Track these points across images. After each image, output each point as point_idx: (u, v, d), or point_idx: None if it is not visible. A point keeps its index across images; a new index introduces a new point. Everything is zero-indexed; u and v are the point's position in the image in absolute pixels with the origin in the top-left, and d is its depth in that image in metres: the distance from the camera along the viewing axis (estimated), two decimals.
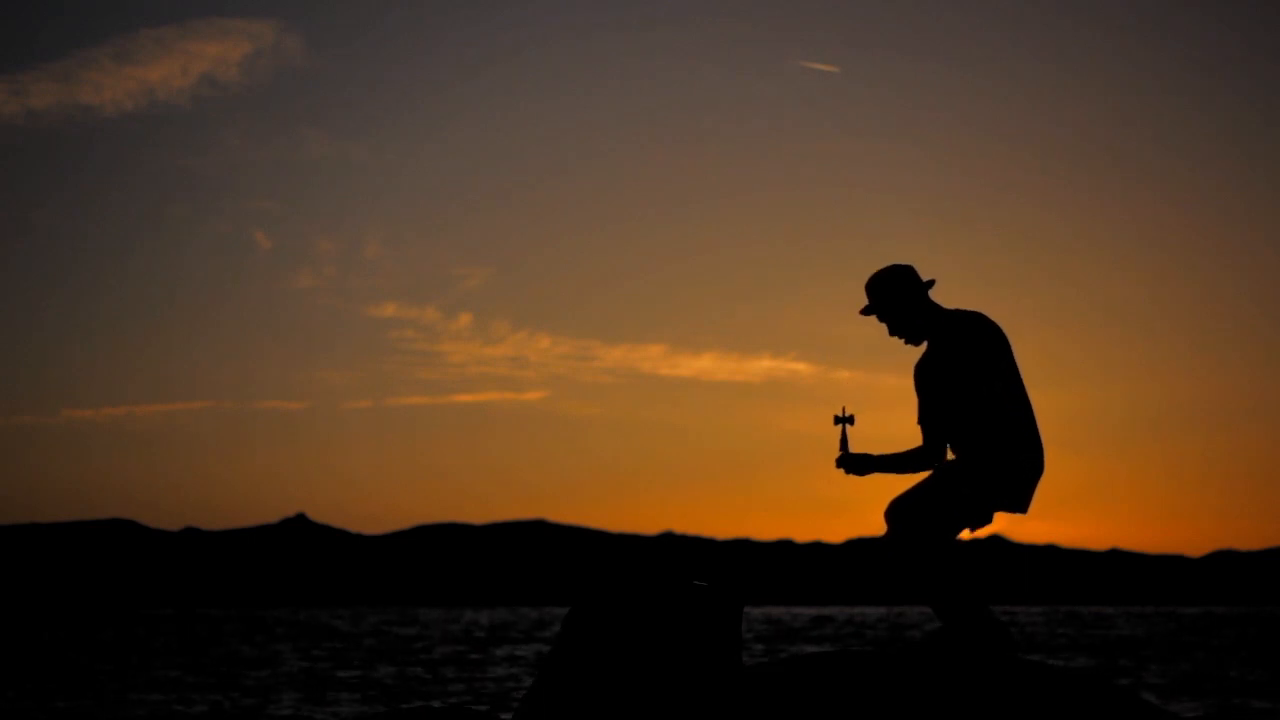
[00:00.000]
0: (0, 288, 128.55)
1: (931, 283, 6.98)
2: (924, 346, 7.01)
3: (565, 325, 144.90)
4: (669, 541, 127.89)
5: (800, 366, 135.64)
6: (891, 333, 7.01)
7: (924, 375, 6.94)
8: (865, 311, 7.01)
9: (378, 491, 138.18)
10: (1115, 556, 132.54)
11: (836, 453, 7.04)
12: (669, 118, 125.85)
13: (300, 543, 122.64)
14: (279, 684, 20.33)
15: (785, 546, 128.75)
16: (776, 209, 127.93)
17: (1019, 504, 6.85)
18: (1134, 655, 29.67)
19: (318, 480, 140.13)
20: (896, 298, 6.94)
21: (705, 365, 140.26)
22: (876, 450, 7.02)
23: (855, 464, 7.02)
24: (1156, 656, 29.22)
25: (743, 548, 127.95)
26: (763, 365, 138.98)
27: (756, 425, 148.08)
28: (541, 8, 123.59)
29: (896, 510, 6.84)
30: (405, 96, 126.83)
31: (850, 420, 7.04)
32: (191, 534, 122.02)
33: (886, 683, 6.50)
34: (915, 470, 7.00)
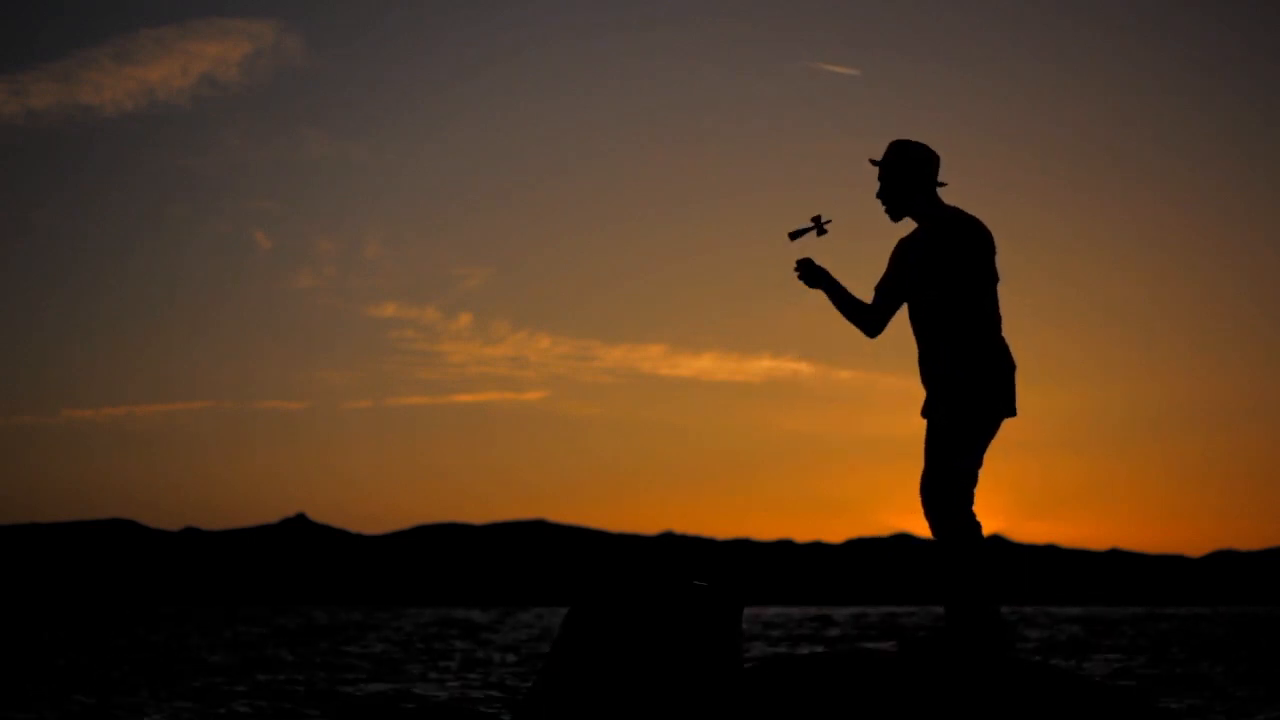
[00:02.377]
0: (0, 288, 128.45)
1: (943, 184, 7.10)
2: (903, 226, 7.14)
3: (565, 325, 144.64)
4: (669, 541, 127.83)
5: (800, 366, 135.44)
6: (879, 194, 7.13)
7: (903, 254, 7.08)
8: (875, 162, 7.14)
9: (378, 491, 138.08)
10: (1115, 556, 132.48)
11: (803, 237, 7.12)
12: (669, 118, 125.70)
13: (300, 543, 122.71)
14: (276, 684, 20.35)
15: (785, 546, 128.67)
16: (777, 209, 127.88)
17: (1009, 405, 6.94)
18: (1135, 656, 29.70)
19: (318, 480, 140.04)
20: (908, 167, 7.05)
21: (705, 365, 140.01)
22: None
23: (810, 269, 7.15)
24: (1157, 657, 29.25)
25: (743, 548, 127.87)
26: (763, 365, 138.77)
27: (756, 425, 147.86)
28: (541, 8, 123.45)
29: (923, 485, 6.93)
30: (405, 96, 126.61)
31: (824, 230, 7.13)
32: (191, 534, 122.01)
33: (886, 683, 6.49)
34: (850, 317, 7.14)
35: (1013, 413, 6.96)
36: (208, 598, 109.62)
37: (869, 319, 7.13)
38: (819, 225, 7.14)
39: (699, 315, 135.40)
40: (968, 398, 6.87)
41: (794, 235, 7.16)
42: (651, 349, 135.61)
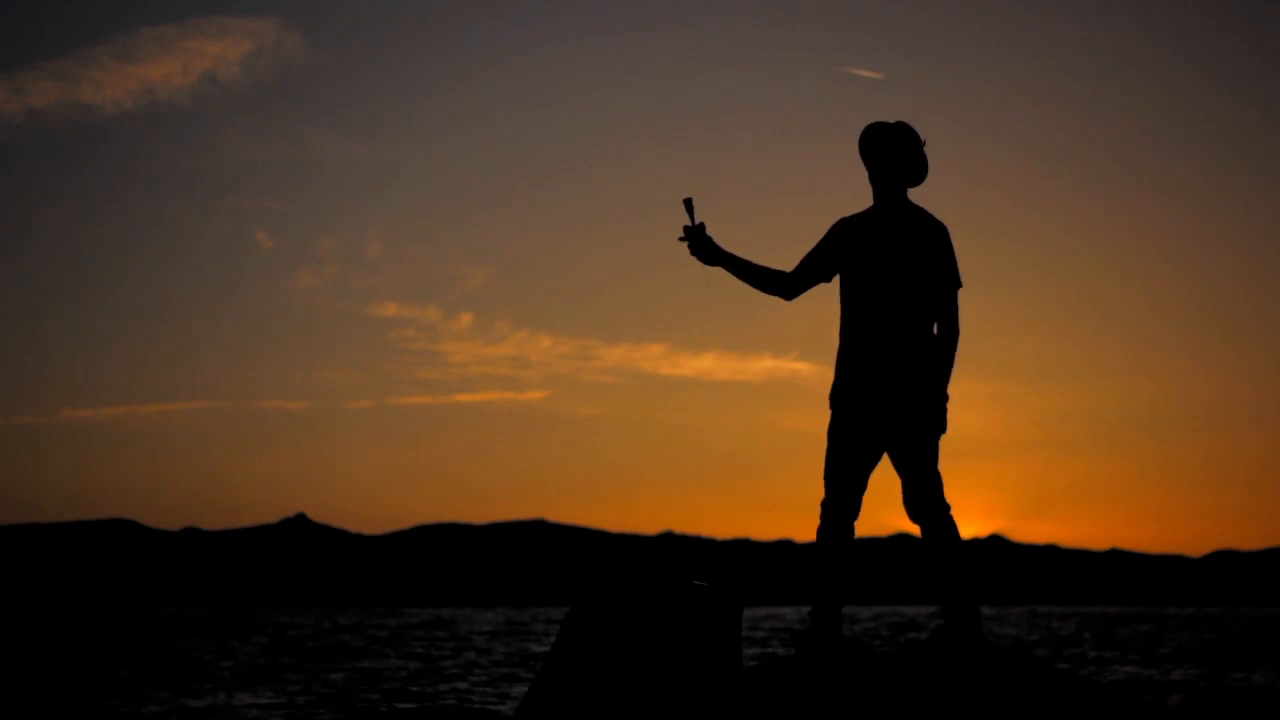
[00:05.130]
0: (0, 288, 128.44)
1: (920, 180, 6.82)
2: (865, 206, 6.89)
3: (566, 325, 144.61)
4: (669, 541, 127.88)
5: (801, 366, 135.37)
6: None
7: (841, 231, 6.81)
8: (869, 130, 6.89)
9: (378, 491, 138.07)
10: (1115, 556, 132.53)
11: (690, 212, 6.91)
12: (670, 118, 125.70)
13: (300, 543, 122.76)
14: (275, 684, 20.36)
15: (785, 546, 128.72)
16: (777, 209, 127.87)
17: (866, 416, 6.72)
18: (1135, 656, 29.72)
19: (318, 480, 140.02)
20: (887, 151, 6.78)
21: (706, 365, 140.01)
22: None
23: (702, 243, 6.91)
24: (1157, 657, 29.27)
25: (743, 548, 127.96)
26: (763, 365, 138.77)
27: (756, 425, 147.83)
28: (542, 8, 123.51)
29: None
30: (407, 96, 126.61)
31: (689, 203, 6.91)
32: (191, 534, 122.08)
33: (886, 683, 6.49)
34: (761, 286, 6.90)
35: (874, 425, 6.71)
36: (208, 598, 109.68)
37: (786, 282, 6.87)
38: (689, 208, 6.94)
39: (699, 315, 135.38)
40: (836, 396, 6.79)
41: (689, 208, 6.99)
42: (652, 349, 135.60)
